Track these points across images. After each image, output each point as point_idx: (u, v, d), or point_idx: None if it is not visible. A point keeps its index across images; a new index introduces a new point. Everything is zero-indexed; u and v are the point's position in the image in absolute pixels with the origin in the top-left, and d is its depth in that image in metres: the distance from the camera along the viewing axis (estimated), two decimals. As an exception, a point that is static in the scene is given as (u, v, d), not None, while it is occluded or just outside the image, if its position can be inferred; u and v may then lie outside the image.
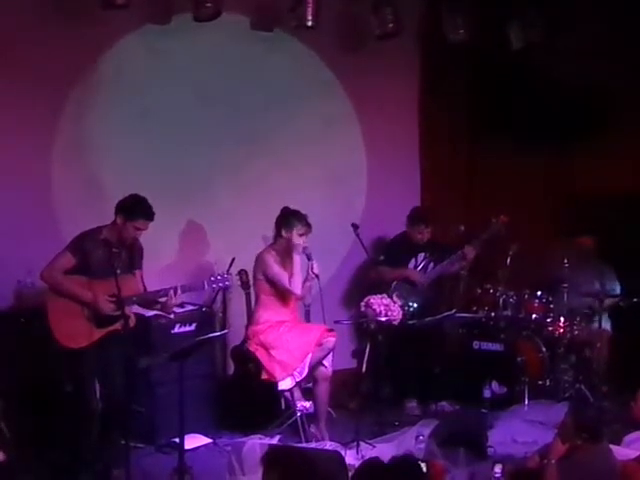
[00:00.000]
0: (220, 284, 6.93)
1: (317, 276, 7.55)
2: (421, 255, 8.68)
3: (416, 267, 8.64)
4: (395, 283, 8.50)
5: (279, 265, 7.56)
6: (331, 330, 7.54)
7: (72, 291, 6.59)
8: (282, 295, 7.60)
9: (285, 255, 7.59)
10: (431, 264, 8.65)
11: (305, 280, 7.61)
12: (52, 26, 7.54)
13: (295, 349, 7.46)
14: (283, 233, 7.56)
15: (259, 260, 7.61)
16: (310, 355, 7.44)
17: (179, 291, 6.71)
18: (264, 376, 7.52)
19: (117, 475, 6.53)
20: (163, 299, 6.78)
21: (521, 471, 6.08)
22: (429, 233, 8.63)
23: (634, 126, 8.98)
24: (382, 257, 8.68)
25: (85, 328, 6.59)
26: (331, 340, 7.51)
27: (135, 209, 6.62)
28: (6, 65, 7.40)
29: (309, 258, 7.56)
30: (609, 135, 9.02)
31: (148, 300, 6.83)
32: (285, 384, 7.50)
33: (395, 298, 8.27)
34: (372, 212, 9.16)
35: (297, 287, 7.52)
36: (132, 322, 6.72)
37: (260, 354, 7.54)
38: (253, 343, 7.59)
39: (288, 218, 7.56)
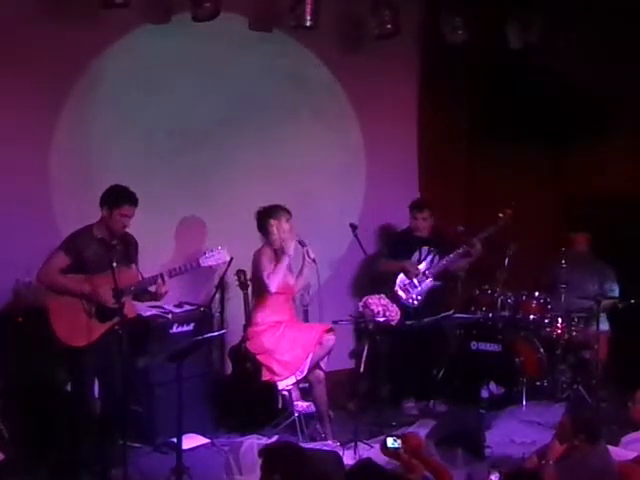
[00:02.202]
0: (217, 259, 6.90)
1: (314, 260, 7.50)
2: (425, 248, 8.65)
3: (419, 260, 8.63)
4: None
5: (273, 263, 7.53)
6: (331, 329, 7.54)
7: (70, 288, 6.61)
8: (279, 295, 7.59)
9: (281, 253, 7.57)
10: (436, 257, 8.64)
11: (302, 268, 7.61)
12: (51, 25, 7.54)
13: (297, 348, 7.46)
14: (272, 222, 7.49)
15: (254, 257, 7.61)
16: (311, 354, 7.45)
17: (166, 277, 6.71)
18: (265, 377, 7.51)
19: (115, 475, 6.53)
20: (152, 288, 6.78)
21: (518, 473, 6.06)
22: (425, 220, 8.57)
23: (634, 126, 8.99)
24: (386, 250, 8.73)
25: (87, 325, 6.60)
26: (331, 339, 7.51)
27: (118, 196, 6.68)
28: (5, 64, 7.39)
29: (302, 245, 7.52)
30: (608, 135, 9.03)
31: (143, 290, 6.83)
32: (286, 383, 7.51)
33: (400, 292, 8.32)
34: (371, 212, 9.16)
35: (273, 283, 7.43)
36: (133, 313, 6.73)
37: (261, 356, 7.53)
38: (253, 345, 7.59)
39: (271, 210, 7.52)
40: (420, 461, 5.81)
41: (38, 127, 7.65)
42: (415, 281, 8.48)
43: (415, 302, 8.45)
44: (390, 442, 5.86)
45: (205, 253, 6.88)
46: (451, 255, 8.52)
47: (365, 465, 5.26)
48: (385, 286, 8.30)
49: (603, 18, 8.73)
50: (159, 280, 6.73)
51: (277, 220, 7.52)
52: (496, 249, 8.62)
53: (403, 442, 5.82)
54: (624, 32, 8.75)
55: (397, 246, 8.73)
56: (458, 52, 9.01)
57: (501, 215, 8.55)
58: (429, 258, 8.60)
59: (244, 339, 7.74)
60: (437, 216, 8.70)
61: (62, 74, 7.69)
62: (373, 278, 8.59)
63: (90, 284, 6.60)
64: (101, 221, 6.74)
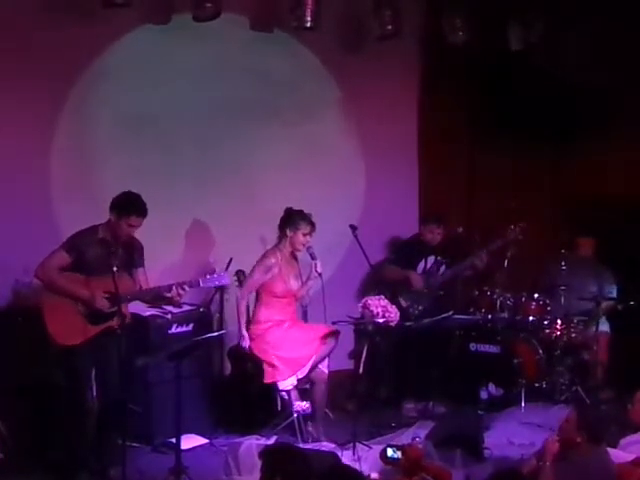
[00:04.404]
0: (217, 282, 6.91)
1: (320, 275, 7.55)
2: (431, 258, 8.69)
3: (425, 269, 8.65)
4: (402, 287, 8.53)
5: (280, 268, 7.55)
6: (333, 329, 7.55)
7: (67, 288, 6.59)
8: (283, 294, 7.60)
9: (290, 258, 7.62)
10: (442, 267, 8.65)
11: (307, 279, 7.64)
12: (52, 24, 7.54)
13: (301, 347, 7.48)
14: (288, 233, 7.55)
15: (261, 257, 7.61)
16: (314, 356, 7.47)
17: (178, 289, 6.70)
18: (267, 380, 7.52)
19: (114, 474, 6.54)
20: (168, 294, 6.75)
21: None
22: (440, 234, 8.64)
23: (633, 126, 8.99)
24: (393, 256, 8.76)
25: (80, 325, 6.59)
26: (332, 339, 7.53)
27: (127, 206, 6.62)
28: (5, 63, 7.40)
29: (313, 257, 7.57)
30: (608, 135, 9.03)
31: (155, 296, 6.82)
32: (287, 383, 7.51)
33: (402, 301, 8.33)
34: (371, 213, 9.15)
35: (242, 297, 7.56)
36: (128, 318, 6.72)
37: (264, 356, 7.53)
38: (255, 344, 7.58)
39: (292, 218, 7.57)
40: (420, 470, 5.80)
41: (38, 127, 7.66)
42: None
43: (417, 312, 8.48)
44: (390, 452, 5.85)
45: (207, 275, 6.86)
46: (457, 266, 8.56)
47: (337, 468, 5.28)
48: (388, 291, 8.29)
49: (604, 19, 8.73)
50: (174, 290, 6.67)
51: (294, 232, 7.55)
52: (495, 250, 8.62)
53: (403, 454, 5.81)
54: (625, 33, 8.75)
55: (404, 254, 8.75)
56: (459, 53, 9.02)
57: (512, 227, 8.54)
58: (436, 268, 8.62)
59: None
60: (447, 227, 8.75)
61: (62, 74, 7.70)
62: (377, 283, 8.57)
63: (88, 288, 6.59)
64: (108, 223, 6.69)
